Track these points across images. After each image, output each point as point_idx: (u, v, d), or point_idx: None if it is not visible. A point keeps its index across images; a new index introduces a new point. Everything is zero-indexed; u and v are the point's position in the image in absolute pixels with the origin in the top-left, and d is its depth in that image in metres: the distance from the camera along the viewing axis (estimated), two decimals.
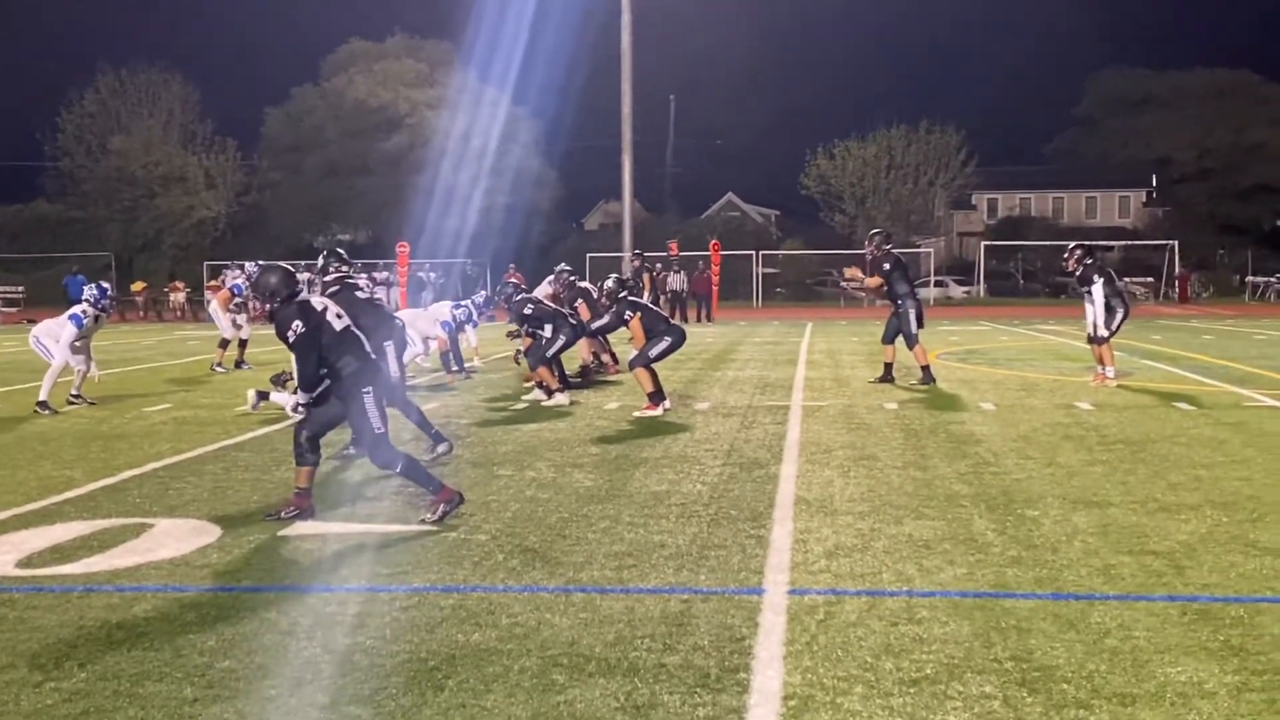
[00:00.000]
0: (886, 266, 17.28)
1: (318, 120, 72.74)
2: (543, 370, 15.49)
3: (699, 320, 42.24)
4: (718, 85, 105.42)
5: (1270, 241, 71.99)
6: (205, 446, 12.00)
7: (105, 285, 16.05)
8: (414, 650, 5.53)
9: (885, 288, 17.33)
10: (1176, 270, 60.99)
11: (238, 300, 21.14)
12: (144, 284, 54.96)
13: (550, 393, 15.34)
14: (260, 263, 23.06)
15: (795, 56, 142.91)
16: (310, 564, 7.22)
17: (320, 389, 8.39)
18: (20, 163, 79.34)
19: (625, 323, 14.56)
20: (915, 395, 15.80)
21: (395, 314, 14.46)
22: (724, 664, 5.31)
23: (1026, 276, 68.85)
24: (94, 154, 73.94)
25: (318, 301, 8.52)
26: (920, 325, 17.16)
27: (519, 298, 16.25)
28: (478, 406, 15.21)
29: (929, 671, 5.20)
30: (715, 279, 47.80)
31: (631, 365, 14.53)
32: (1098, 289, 16.67)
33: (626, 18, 45.63)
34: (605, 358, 19.59)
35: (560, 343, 15.65)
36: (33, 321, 21.50)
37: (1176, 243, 61.68)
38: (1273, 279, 61.92)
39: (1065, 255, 17.50)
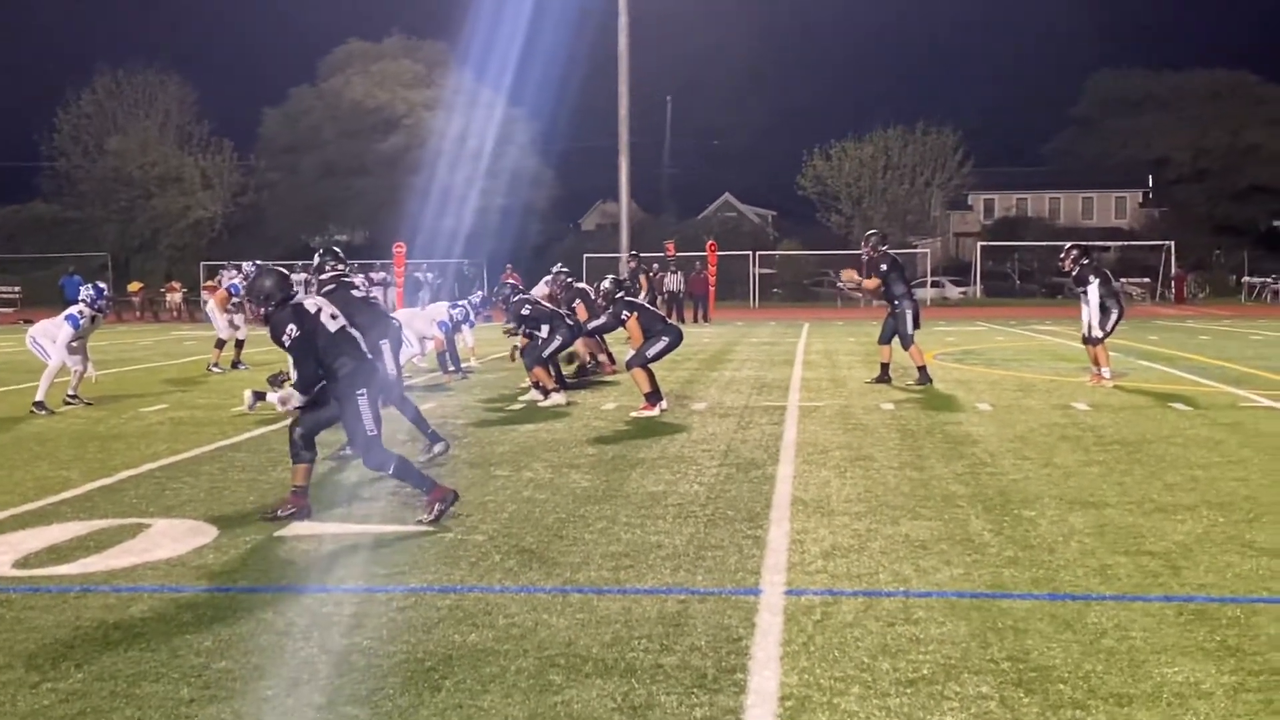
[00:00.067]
0: (883, 267, 17.28)
1: (315, 121, 72.73)
2: (539, 370, 15.50)
3: (696, 321, 42.24)
4: (715, 86, 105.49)
5: (1267, 242, 72.09)
6: (202, 447, 11.99)
7: (102, 286, 16.04)
8: (411, 651, 5.53)
9: (883, 289, 17.34)
10: (1173, 271, 61.03)
11: (235, 300, 21.12)
12: (141, 284, 54.92)
13: (546, 393, 15.34)
14: (257, 262, 23.06)
15: (792, 57, 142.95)
16: (307, 564, 7.21)
17: (315, 388, 8.40)
18: (17, 163, 79.39)
19: (622, 323, 14.57)
20: (912, 396, 15.81)
21: (392, 314, 14.46)
22: (721, 664, 5.31)
23: (1023, 277, 68.86)
24: (91, 154, 73.92)
25: (311, 304, 8.50)
26: (917, 326, 17.18)
27: (516, 298, 16.25)
28: (474, 407, 15.21)
29: (926, 672, 5.20)
30: (712, 279, 47.80)
31: (629, 365, 14.53)
32: (1093, 289, 16.68)
33: (624, 19, 45.63)
34: (602, 358, 19.59)
35: (557, 343, 15.66)
36: (29, 322, 21.49)
37: (1173, 243, 61.72)
38: (1269, 279, 61.95)
39: (1062, 255, 17.55)
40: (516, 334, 16.04)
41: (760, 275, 62.46)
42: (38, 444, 12.41)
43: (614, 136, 47.89)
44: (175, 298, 52.33)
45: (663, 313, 21.18)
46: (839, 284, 20.72)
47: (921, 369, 16.89)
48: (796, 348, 26.32)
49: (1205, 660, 5.31)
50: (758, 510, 8.58)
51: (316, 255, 12.36)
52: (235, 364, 21.21)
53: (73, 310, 15.44)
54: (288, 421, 9.47)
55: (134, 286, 54.31)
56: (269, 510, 8.58)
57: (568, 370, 17.91)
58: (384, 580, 6.75)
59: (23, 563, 7.28)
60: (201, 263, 61.82)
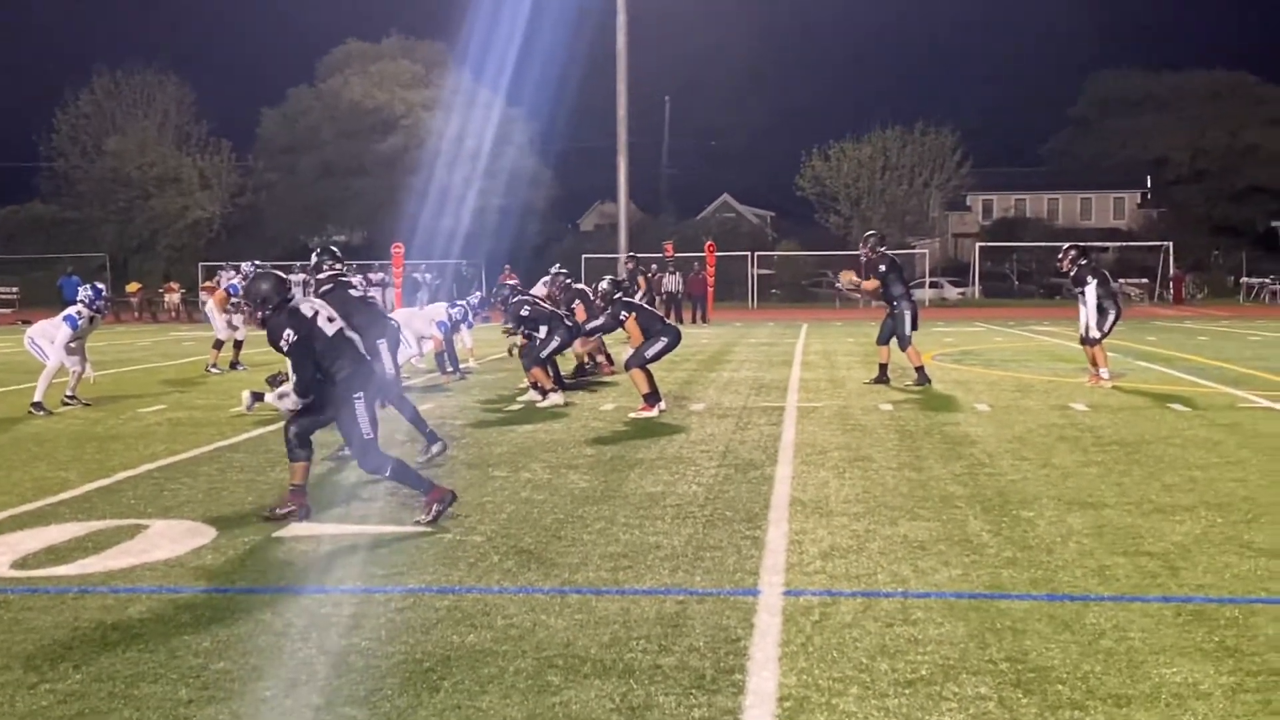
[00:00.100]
0: (882, 268, 17.28)
1: (313, 121, 72.78)
2: (536, 371, 15.50)
3: (694, 321, 42.24)
4: (713, 86, 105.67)
5: (1265, 243, 72.15)
6: (200, 448, 11.99)
7: (100, 286, 16.04)
8: (409, 651, 5.53)
9: (881, 290, 17.34)
10: (1171, 271, 61.06)
11: (234, 301, 21.11)
12: (139, 285, 54.94)
13: (545, 393, 15.34)
14: (256, 263, 23.05)
15: (791, 57, 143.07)
16: (305, 565, 7.21)
17: (313, 391, 8.40)
18: (15, 164, 79.45)
19: (621, 323, 14.56)
20: (910, 396, 15.81)
21: (391, 314, 14.46)
22: (719, 665, 5.31)
23: (1021, 278, 68.93)
24: (89, 155, 73.96)
25: (308, 307, 8.48)
26: (915, 327, 17.19)
27: (516, 299, 16.24)
28: (473, 407, 15.21)
29: (924, 672, 5.20)
30: (710, 280, 47.80)
31: (627, 366, 14.53)
32: (1090, 290, 16.70)
33: (622, 19, 45.65)
34: (600, 359, 19.59)
35: (555, 344, 15.67)
36: (28, 323, 21.47)
37: (1171, 244, 61.75)
38: (1267, 280, 62.04)
39: (1060, 255, 17.59)
40: (515, 334, 16.05)
41: (759, 276, 62.48)
42: (36, 445, 12.41)
43: (612, 137, 47.91)
44: (173, 298, 52.34)
45: (661, 313, 21.17)
46: (837, 285, 20.69)
47: (919, 369, 16.90)
48: (795, 348, 26.32)
49: (1203, 661, 5.31)
50: (756, 511, 8.58)
51: (313, 255, 12.35)
52: (234, 365, 21.21)
53: (71, 311, 15.44)
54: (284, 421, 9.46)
55: (132, 287, 54.33)
56: (268, 509, 8.58)
57: (566, 371, 17.90)
58: (382, 581, 6.75)
59: (21, 563, 7.27)
60: (200, 263, 61.85)
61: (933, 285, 64.38)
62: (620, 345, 17.12)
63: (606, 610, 6.13)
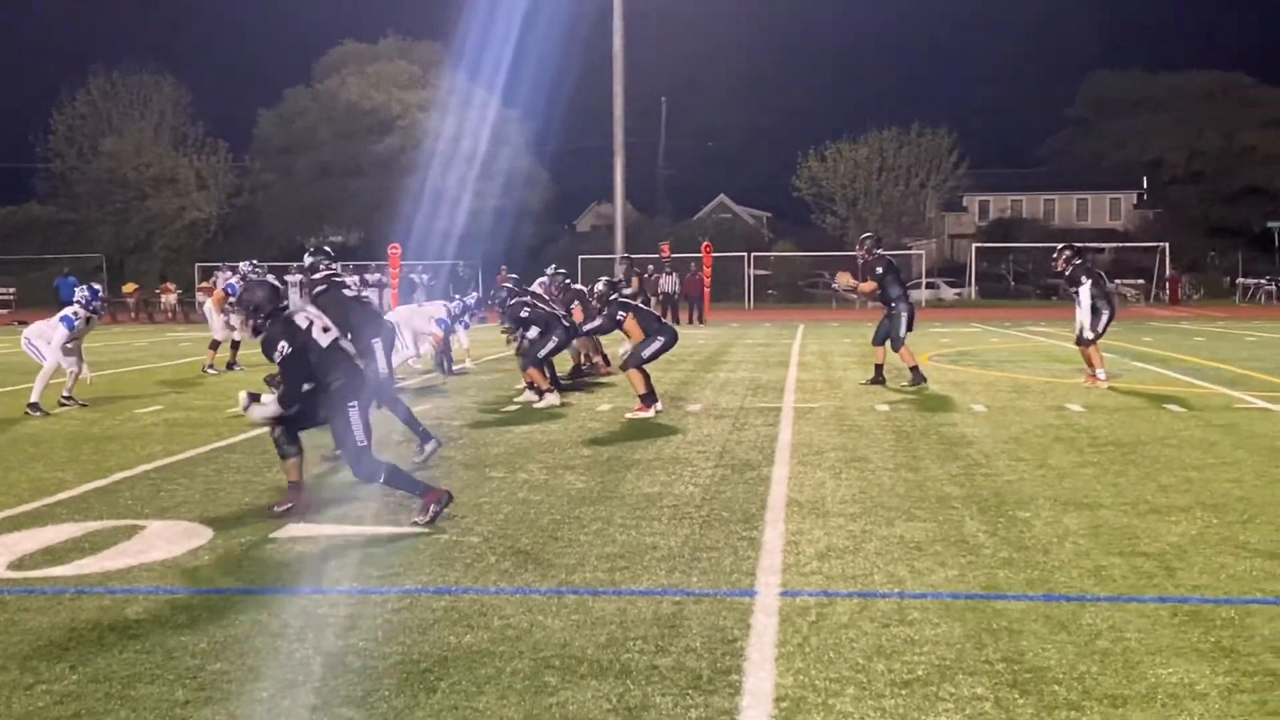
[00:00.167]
0: (879, 270, 17.29)
1: (310, 122, 72.74)
2: (533, 372, 15.50)
3: (691, 322, 42.23)
4: (710, 87, 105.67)
5: (1260, 244, 72.15)
6: (197, 448, 11.98)
7: (96, 287, 16.04)
8: (406, 652, 5.53)
9: (879, 291, 17.35)
10: (1167, 272, 61.11)
11: (232, 300, 21.10)
12: (135, 285, 54.89)
13: (541, 394, 15.34)
14: (254, 262, 23.04)
15: (788, 58, 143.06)
16: (302, 566, 7.21)
17: (297, 405, 8.43)
18: (12, 164, 79.39)
19: (619, 324, 14.56)
20: (907, 397, 15.82)
21: (390, 313, 14.45)
22: (716, 666, 5.31)
23: (1017, 278, 68.98)
24: (85, 156, 73.89)
25: (303, 318, 8.46)
26: (910, 329, 17.20)
27: (514, 301, 16.23)
28: (469, 408, 15.20)
29: (921, 673, 5.21)
30: (707, 281, 47.80)
31: (624, 366, 14.53)
32: (1085, 290, 16.76)
33: (618, 20, 45.65)
34: (597, 359, 19.59)
35: (553, 344, 15.67)
36: (24, 323, 21.46)
37: (1167, 245, 61.79)
38: (1263, 281, 62.05)
39: (1055, 255, 17.71)
40: (514, 334, 16.04)
41: (755, 276, 62.48)
42: (32, 445, 12.40)
43: (609, 137, 47.90)
44: (170, 299, 52.33)
45: (657, 313, 21.17)
46: (834, 286, 20.69)
47: (914, 369, 16.90)
48: (791, 349, 26.32)
49: (1200, 661, 5.31)
50: (753, 512, 8.58)
51: (307, 256, 12.36)
52: (230, 365, 21.20)
53: (68, 311, 15.43)
54: None
55: (129, 288, 54.27)
56: (268, 507, 8.58)
57: (563, 372, 17.90)
58: (379, 582, 6.75)
59: (17, 564, 7.27)
60: (196, 264, 61.82)
61: (929, 286, 64.37)
62: (613, 346, 17.08)
63: (603, 611, 6.14)
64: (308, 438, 8.79)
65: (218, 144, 73.69)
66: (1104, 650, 5.47)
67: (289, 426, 8.52)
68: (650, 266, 43.79)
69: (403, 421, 11.01)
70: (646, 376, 14.29)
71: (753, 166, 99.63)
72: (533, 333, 15.57)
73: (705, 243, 52.81)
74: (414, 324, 17.69)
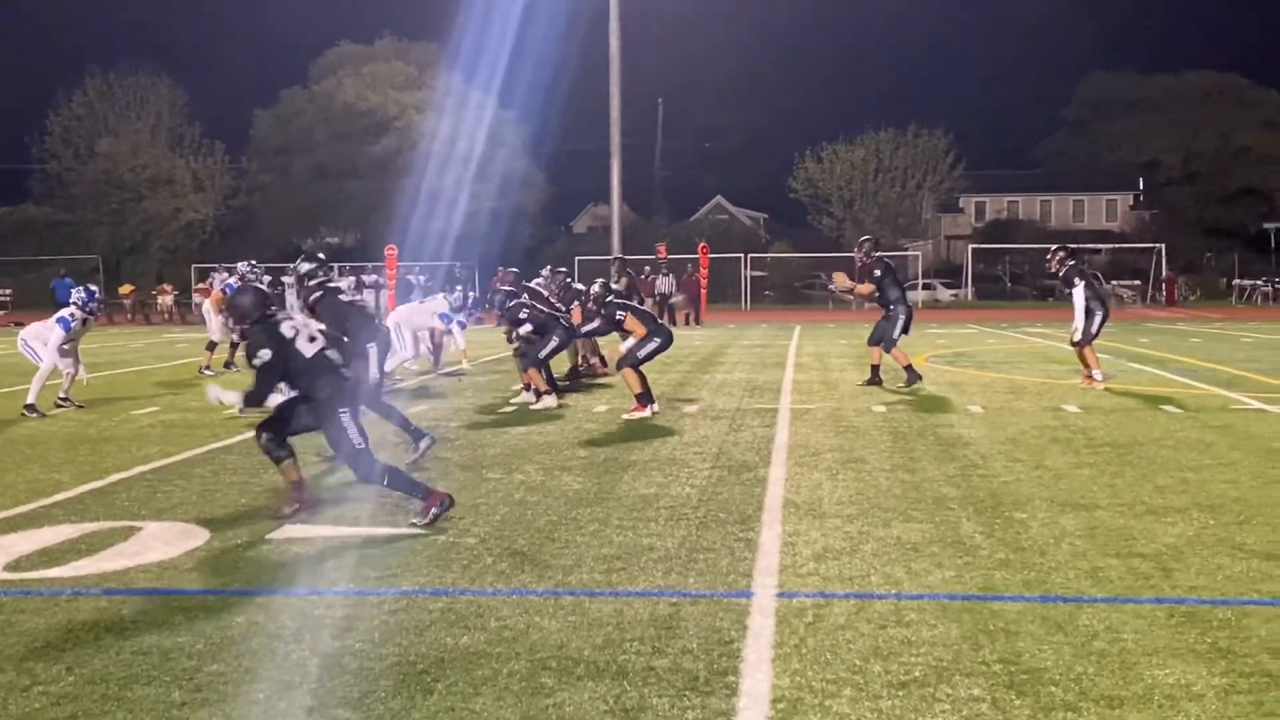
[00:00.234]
0: (877, 273, 17.29)
1: (306, 123, 72.70)
2: (533, 372, 15.50)
3: (687, 323, 42.23)
4: (707, 88, 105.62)
5: (1257, 245, 72.19)
6: (193, 449, 11.98)
7: (93, 288, 16.04)
8: (403, 653, 5.53)
9: (877, 294, 17.36)
10: (1164, 273, 61.12)
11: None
12: (132, 287, 54.83)
13: (539, 395, 15.34)
14: (251, 263, 23.05)
15: (785, 59, 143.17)
16: (298, 567, 7.21)
17: (271, 398, 8.48)
18: (8, 166, 79.29)
19: (619, 323, 14.54)
20: (903, 398, 15.82)
21: (392, 313, 14.43)
22: (713, 667, 5.31)
23: (1014, 279, 69.00)
24: (82, 157, 73.79)
25: (289, 328, 8.44)
26: (906, 332, 17.23)
27: (512, 304, 16.22)
28: (466, 409, 15.20)
29: (917, 674, 5.21)
30: (704, 282, 47.80)
31: (619, 366, 14.54)
32: (1078, 291, 16.80)
33: (615, 21, 45.66)
34: (594, 360, 19.58)
35: (554, 344, 15.67)
36: (20, 325, 21.44)
37: (1163, 246, 61.77)
38: (1259, 282, 62.09)
39: (1048, 257, 17.78)
40: (516, 331, 16.02)
41: (752, 278, 62.47)
42: (29, 447, 12.39)
43: (605, 139, 47.92)
44: (166, 300, 52.27)
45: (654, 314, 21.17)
46: (830, 287, 20.72)
47: (908, 368, 16.91)
48: (788, 350, 26.33)
49: (1196, 662, 5.32)
50: (749, 513, 8.58)
51: (304, 263, 12.40)
52: (227, 365, 21.18)
53: (64, 313, 15.43)
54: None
55: (125, 289, 54.21)
56: (275, 511, 8.58)
57: (560, 373, 17.89)
58: (376, 583, 6.75)
59: (14, 565, 7.27)
60: (193, 265, 61.73)
61: (925, 287, 64.38)
62: (610, 347, 17.07)
63: (600, 612, 6.14)
64: (306, 439, 8.79)
65: (214, 145, 73.63)
66: (1101, 651, 5.47)
67: (275, 433, 8.52)
68: (647, 268, 43.79)
69: (397, 426, 11.00)
70: (642, 377, 14.29)
71: (750, 168, 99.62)
72: (524, 330, 15.57)
73: (702, 244, 52.80)
74: (414, 321, 17.69)
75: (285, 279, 23.88)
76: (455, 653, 5.53)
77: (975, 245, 69.06)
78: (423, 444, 10.81)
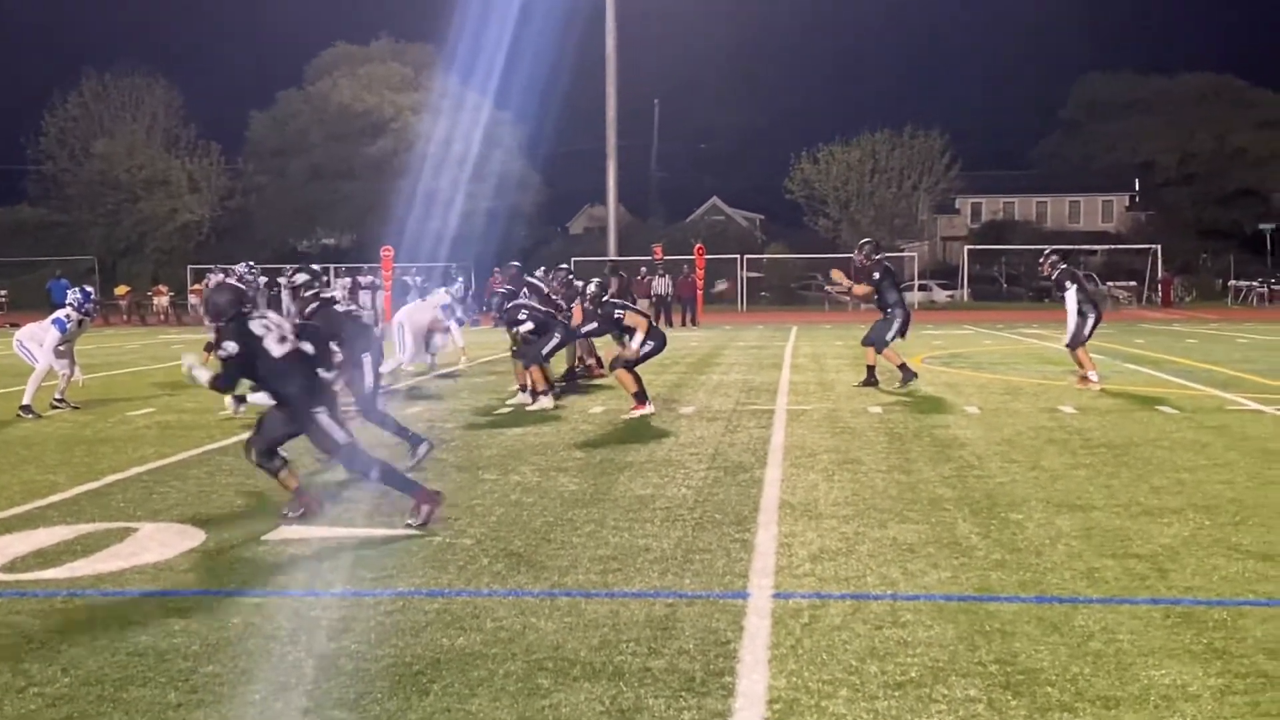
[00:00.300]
0: (876, 275, 17.31)
1: (302, 124, 72.67)
2: (535, 371, 15.50)
3: (683, 324, 42.24)
4: (703, 89, 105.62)
5: (1252, 246, 72.26)
6: (189, 450, 11.97)
7: (89, 289, 16.04)
8: (399, 654, 5.53)
9: (876, 295, 17.38)
10: (1159, 274, 61.16)
11: None
12: (127, 288, 54.83)
13: (535, 396, 15.34)
14: (250, 263, 23.04)
15: (781, 60, 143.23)
16: (294, 568, 7.21)
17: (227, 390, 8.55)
18: (3, 166, 79.28)
19: (617, 322, 14.53)
20: (899, 399, 15.83)
21: (397, 314, 14.42)
22: (709, 668, 5.31)
23: (1010, 280, 69.01)
24: (77, 158, 73.75)
25: (259, 327, 8.43)
26: (903, 336, 17.27)
27: (510, 305, 16.22)
28: (462, 410, 15.20)
29: (914, 675, 5.21)
30: (700, 283, 47.81)
31: (612, 368, 14.55)
32: (1070, 295, 16.86)
33: (611, 23, 45.68)
34: (590, 361, 19.58)
35: (555, 342, 15.67)
36: (16, 326, 21.44)
37: (1159, 247, 61.83)
38: (1255, 283, 62.13)
39: (1041, 260, 17.88)
40: (518, 331, 16.00)
41: (748, 279, 62.47)
42: (24, 448, 12.39)
43: (601, 140, 47.98)
44: (162, 301, 52.26)
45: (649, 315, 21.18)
46: (828, 286, 20.74)
47: (901, 367, 16.93)
48: (784, 351, 26.34)
49: (1192, 663, 5.32)
50: (745, 514, 8.58)
51: (298, 274, 12.44)
52: None
53: (59, 314, 15.43)
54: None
55: (121, 290, 54.22)
56: (281, 514, 8.56)
57: (555, 375, 17.89)
58: (371, 584, 6.75)
59: (9, 567, 7.26)
60: (188, 266, 61.70)
61: (922, 288, 64.40)
62: (606, 348, 17.07)
63: (596, 613, 6.14)
64: (304, 440, 8.79)
65: (210, 146, 73.62)
66: (1096, 652, 5.48)
67: (262, 445, 8.53)
68: (643, 269, 43.78)
69: (393, 434, 10.95)
70: (637, 376, 14.30)
71: (746, 169, 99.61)
72: (528, 329, 15.57)
73: (698, 245, 52.82)
74: (415, 319, 17.69)
75: (281, 279, 23.88)
76: (451, 654, 5.53)
77: (971, 246, 69.13)
78: (421, 449, 10.79)
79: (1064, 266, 17.31)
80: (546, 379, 15.89)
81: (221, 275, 29.32)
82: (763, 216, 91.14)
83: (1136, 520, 8.20)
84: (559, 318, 16.33)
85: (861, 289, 17.81)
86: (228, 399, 14.38)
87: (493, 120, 66.47)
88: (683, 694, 5.00)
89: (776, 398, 16.36)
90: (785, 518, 8.41)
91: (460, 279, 19.67)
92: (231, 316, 8.39)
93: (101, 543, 7.86)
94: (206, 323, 20.82)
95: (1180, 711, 4.78)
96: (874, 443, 12.00)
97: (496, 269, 42.07)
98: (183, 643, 5.73)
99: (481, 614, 6.13)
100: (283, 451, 8.61)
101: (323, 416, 8.18)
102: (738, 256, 62.16)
